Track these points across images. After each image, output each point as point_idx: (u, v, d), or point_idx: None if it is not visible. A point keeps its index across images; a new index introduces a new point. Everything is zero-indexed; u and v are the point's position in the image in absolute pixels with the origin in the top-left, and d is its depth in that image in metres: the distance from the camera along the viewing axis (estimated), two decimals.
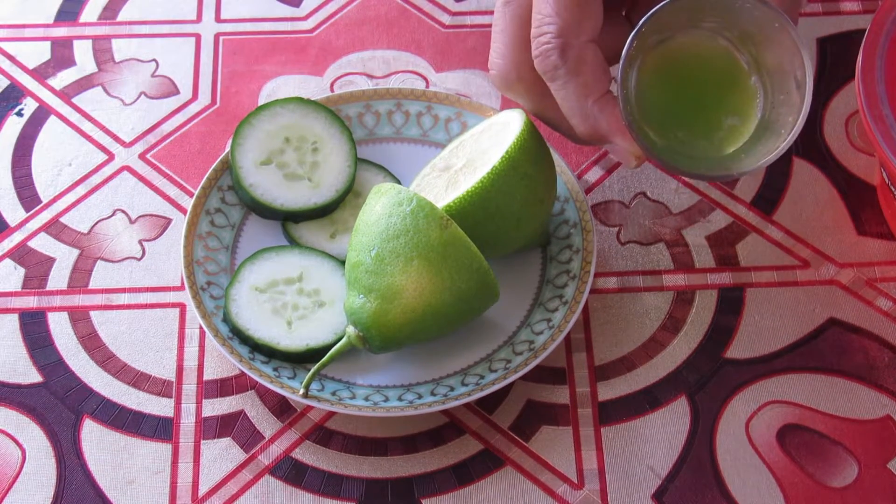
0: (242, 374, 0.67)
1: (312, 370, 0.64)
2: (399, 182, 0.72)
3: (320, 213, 0.71)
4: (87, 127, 0.77)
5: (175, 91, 0.78)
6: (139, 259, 0.71)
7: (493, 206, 0.65)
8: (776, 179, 0.74)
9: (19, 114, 0.77)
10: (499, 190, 0.65)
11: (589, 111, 0.62)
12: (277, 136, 0.71)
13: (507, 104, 0.77)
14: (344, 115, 0.73)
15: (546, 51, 0.61)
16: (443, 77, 0.79)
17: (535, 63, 0.62)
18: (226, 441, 0.65)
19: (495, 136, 0.67)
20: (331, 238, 0.70)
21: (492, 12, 0.81)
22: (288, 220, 0.71)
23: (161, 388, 0.67)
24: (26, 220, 0.73)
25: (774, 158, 0.60)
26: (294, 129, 0.71)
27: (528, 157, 0.65)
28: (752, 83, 0.62)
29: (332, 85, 0.78)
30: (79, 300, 0.70)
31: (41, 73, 0.79)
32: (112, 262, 0.71)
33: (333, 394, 0.64)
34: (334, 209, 0.71)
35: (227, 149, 0.71)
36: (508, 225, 0.66)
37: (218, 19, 0.81)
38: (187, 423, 0.66)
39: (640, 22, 0.59)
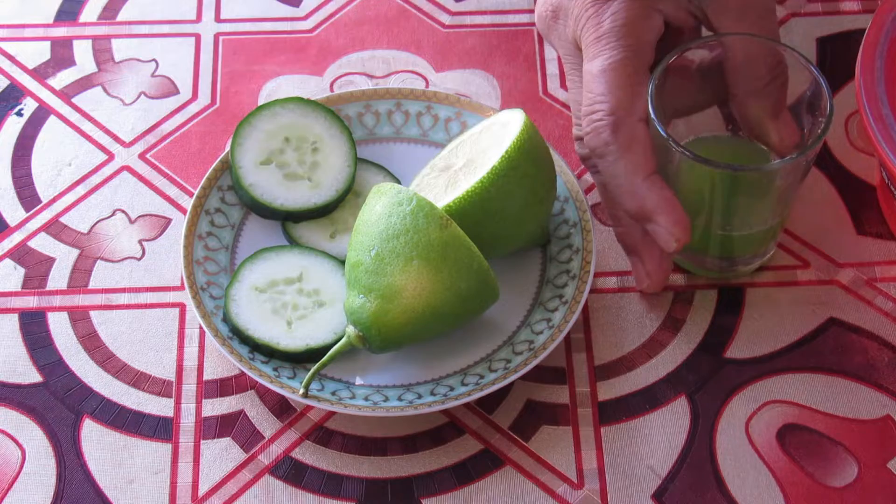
0: (242, 374, 0.67)
1: (312, 370, 0.64)
2: (399, 182, 0.72)
3: (320, 213, 0.71)
4: (86, 127, 0.76)
5: (175, 91, 0.78)
6: (139, 259, 0.71)
7: (493, 206, 0.65)
8: None
9: (19, 114, 0.77)
10: (499, 190, 0.65)
11: (638, 188, 0.62)
12: (277, 135, 0.71)
13: (507, 104, 0.77)
14: (344, 115, 0.73)
15: (598, 127, 0.62)
16: (442, 77, 0.79)
17: (585, 139, 0.63)
18: (226, 441, 0.65)
19: (495, 135, 0.67)
20: (331, 238, 0.70)
21: (491, 12, 0.81)
22: (288, 220, 0.70)
23: (161, 388, 0.67)
24: (26, 220, 0.73)
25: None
26: (294, 129, 0.71)
27: (528, 157, 0.65)
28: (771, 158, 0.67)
29: (331, 85, 0.78)
30: (79, 300, 0.70)
31: (41, 73, 0.79)
32: (112, 262, 0.71)
33: (333, 394, 0.64)
34: (334, 209, 0.71)
35: (227, 149, 0.71)
36: (508, 225, 0.66)
37: (218, 19, 0.81)
38: (187, 423, 0.66)
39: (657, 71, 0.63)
